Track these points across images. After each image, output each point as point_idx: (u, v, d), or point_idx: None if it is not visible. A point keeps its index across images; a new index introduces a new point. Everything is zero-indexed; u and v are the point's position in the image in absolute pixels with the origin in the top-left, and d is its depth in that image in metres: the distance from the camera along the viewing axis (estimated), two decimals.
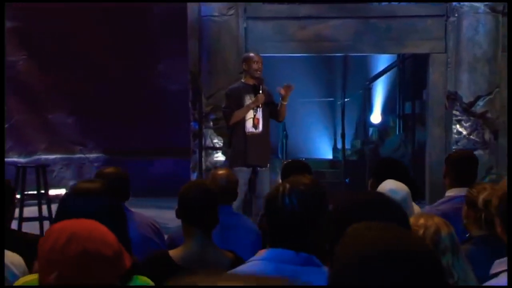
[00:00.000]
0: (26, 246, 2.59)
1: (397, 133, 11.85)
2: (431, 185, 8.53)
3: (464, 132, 8.59)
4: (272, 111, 6.81)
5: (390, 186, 3.23)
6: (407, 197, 3.23)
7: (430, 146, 8.79)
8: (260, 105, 6.61)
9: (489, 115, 8.51)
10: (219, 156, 8.61)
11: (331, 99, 12.49)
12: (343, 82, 11.94)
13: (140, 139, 13.21)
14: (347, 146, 12.03)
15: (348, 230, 1.22)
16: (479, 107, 8.48)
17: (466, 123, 8.58)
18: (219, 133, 8.50)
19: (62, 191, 10.64)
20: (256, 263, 2.11)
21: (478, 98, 8.48)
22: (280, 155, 10.44)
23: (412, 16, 8.67)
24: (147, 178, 12.61)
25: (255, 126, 6.61)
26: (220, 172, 3.97)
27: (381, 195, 1.94)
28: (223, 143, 8.53)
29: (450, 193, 4.02)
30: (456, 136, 8.62)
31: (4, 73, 9.55)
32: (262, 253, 2.16)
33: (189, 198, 3.06)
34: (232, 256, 3.01)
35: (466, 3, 8.47)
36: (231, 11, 8.50)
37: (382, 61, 12.30)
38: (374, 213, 1.71)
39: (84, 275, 1.70)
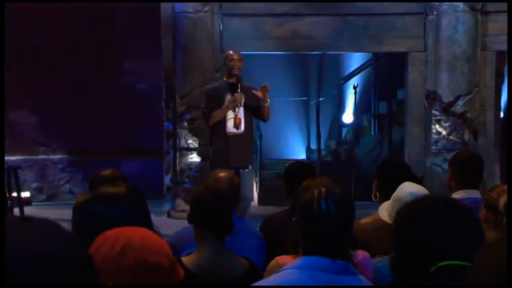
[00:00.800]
0: None
1: (372, 133, 11.87)
2: None
3: (444, 132, 8.62)
4: (256, 110, 6.72)
5: (409, 189, 3.14)
6: None
7: (409, 146, 8.80)
8: (240, 104, 6.52)
9: (468, 115, 8.55)
10: (194, 157, 8.52)
11: (304, 98, 12.46)
12: (318, 81, 11.92)
13: (108, 139, 13.04)
14: (321, 146, 12.01)
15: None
16: (459, 106, 8.52)
17: (445, 123, 8.62)
18: (194, 134, 8.41)
19: (26, 194, 10.43)
20: (290, 272, 2.04)
21: (458, 97, 8.51)
22: (254, 156, 10.37)
23: (390, 14, 8.68)
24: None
25: (236, 126, 6.52)
26: (222, 174, 3.81)
27: (450, 200, 1.88)
28: (199, 144, 8.43)
29: (456, 195, 3.96)
30: (435, 136, 8.65)
31: (4, 73, 9.37)
32: (296, 261, 2.09)
33: (202, 202, 2.98)
34: (246, 262, 2.93)
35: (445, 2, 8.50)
36: (206, 8, 8.41)
37: (357, 60, 12.31)
38: (448, 218, 1.68)
39: (140, 286, 1.64)
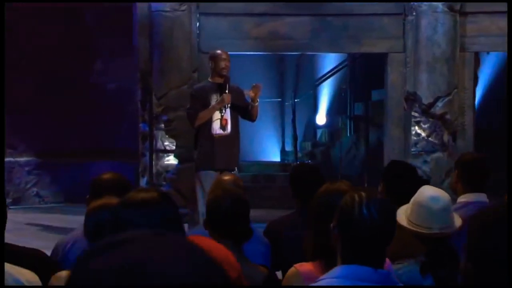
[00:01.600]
0: (16, 258, 2.45)
1: (348, 134, 11.94)
2: None
3: (423, 134, 8.70)
4: (243, 111, 6.71)
5: (430, 193, 3.06)
6: (450, 205, 3.08)
7: (389, 148, 8.87)
8: (227, 105, 6.50)
9: (448, 116, 8.65)
10: (171, 159, 8.48)
11: (279, 99, 12.49)
12: (294, 82, 11.96)
13: (77, 140, 12.93)
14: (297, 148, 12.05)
15: None
16: (438, 108, 8.62)
17: (425, 124, 8.70)
18: (171, 135, 8.38)
19: None
20: (330, 282, 2.00)
21: (437, 99, 8.61)
22: None
23: (369, 14, 8.75)
24: (85, 183, 12.30)
25: (223, 127, 6.49)
26: (226, 177, 3.79)
27: None
28: (176, 146, 8.40)
29: (463, 198, 3.94)
30: (414, 137, 8.73)
31: (4, 73, 9.23)
32: (335, 270, 2.06)
33: (220, 208, 2.92)
34: (265, 271, 2.90)
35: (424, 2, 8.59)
36: (183, 7, 8.40)
37: (333, 60, 12.37)
38: None
39: None
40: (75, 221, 10.15)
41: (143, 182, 8.70)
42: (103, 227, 2.52)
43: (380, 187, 3.79)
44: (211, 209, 2.96)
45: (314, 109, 12.31)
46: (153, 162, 8.50)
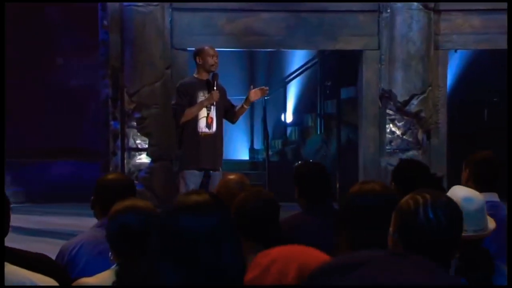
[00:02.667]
0: (22, 262, 2.43)
1: (318, 132, 12.02)
2: None
3: (398, 132, 8.83)
4: (227, 110, 6.70)
5: (463, 193, 2.90)
6: (483, 206, 2.95)
7: (364, 146, 8.97)
8: (215, 103, 6.49)
9: (423, 114, 8.79)
10: (143, 158, 8.45)
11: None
12: (265, 79, 11.99)
13: (37, 139, 12.78)
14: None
15: None
16: (413, 106, 8.74)
17: (399, 122, 8.83)
18: (144, 133, 8.35)
19: None
20: None
21: (412, 96, 8.74)
22: None
23: (343, 11, 8.84)
24: (46, 182, 12.23)
25: (208, 125, 6.48)
26: (232, 176, 3.69)
27: None
28: (149, 144, 8.38)
29: None
30: (389, 136, 8.85)
31: (4, 73, 9.08)
32: None
33: (248, 209, 2.85)
34: None
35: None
36: (156, 2, 8.37)
37: (303, 57, 12.44)
38: None
39: None
40: (38, 221, 10.02)
41: None
42: (129, 230, 2.51)
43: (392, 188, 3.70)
44: (238, 211, 2.85)
45: (284, 107, 12.36)
46: (125, 161, 8.45)
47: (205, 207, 1.75)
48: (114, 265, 2.61)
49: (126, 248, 2.52)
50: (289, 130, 12.51)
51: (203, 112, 6.48)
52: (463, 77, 11.39)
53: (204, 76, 6.61)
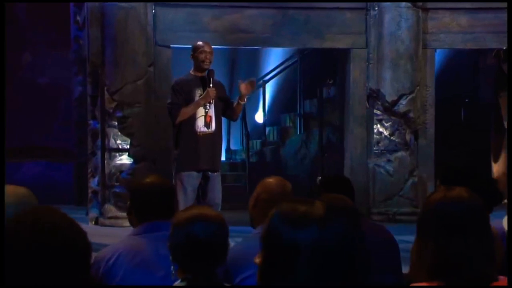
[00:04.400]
0: None
1: (298, 133, 11.92)
2: None
3: (385, 133, 8.77)
4: (225, 107, 6.52)
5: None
6: None
7: (351, 147, 8.90)
8: (212, 101, 6.31)
9: (411, 114, 8.74)
10: (124, 159, 8.26)
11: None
12: (245, 77, 11.84)
13: (6, 139, 12.47)
14: (243, 146, 11.95)
15: None
16: (402, 106, 8.69)
17: (387, 122, 8.76)
18: (126, 133, 8.15)
19: None
20: None
21: (401, 96, 8.68)
22: None
23: (331, 9, 8.76)
24: (15, 183, 11.92)
25: (207, 124, 6.30)
26: (271, 179, 3.39)
27: None
28: (131, 144, 8.19)
29: None
30: (376, 136, 8.79)
31: (4, 73, 8.78)
32: None
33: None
34: None
35: None
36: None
37: (281, 55, 12.34)
38: None
39: None
40: None
41: (94, 183, 8.45)
42: (197, 241, 2.31)
43: (438, 188, 3.56)
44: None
45: (263, 106, 12.24)
46: (105, 162, 8.25)
47: (320, 219, 1.57)
48: (179, 281, 2.42)
49: (193, 262, 2.33)
50: (267, 130, 12.39)
51: (201, 111, 6.30)
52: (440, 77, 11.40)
53: (200, 73, 6.43)
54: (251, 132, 11.76)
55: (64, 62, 12.40)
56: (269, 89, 12.44)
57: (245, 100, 6.52)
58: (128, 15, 8.16)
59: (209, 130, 6.34)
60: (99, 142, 8.36)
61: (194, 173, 6.18)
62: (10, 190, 2.07)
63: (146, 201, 3.02)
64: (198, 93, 6.36)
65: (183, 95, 6.35)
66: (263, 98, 12.19)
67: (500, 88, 11.07)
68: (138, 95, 8.20)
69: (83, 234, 1.51)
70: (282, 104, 12.63)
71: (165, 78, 8.42)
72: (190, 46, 8.73)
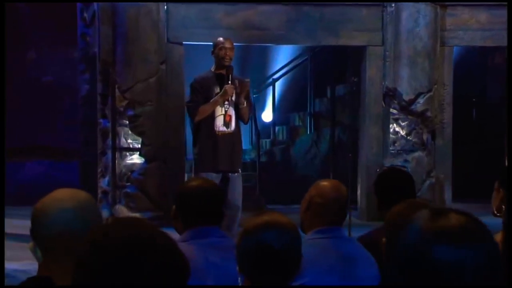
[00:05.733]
0: None
1: (308, 132, 11.78)
2: (367, 191, 8.39)
3: (402, 132, 8.63)
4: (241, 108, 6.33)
5: None
6: None
7: (367, 147, 8.75)
8: (230, 98, 6.15)
9: (428, 113, 8.60)
10: (135, 158, 8.12)
11: None
12: (255, 75, 11.69)
13: (9, 138, 12.33)
14: (252, 146, 11.81)
15: None
16: (419, 105, 8.54)
17: (403, 122, 8.62)
18: (137, 132, 8.00)
19: None
20: None
21: (418, 95, 8.54)
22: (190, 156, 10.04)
23: (346, 5, 8.61)
24: (16, 183, 11.86)
25: (226, 124, 6.15)
26: (326, 183, 3.19)
27: None
28: (142, 143, 8.05)
29: None
30: (393, 136, 8.64)
31: (4, 73, 8.63)
32: None
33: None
34: None
35: None
36: None
37: (292, 53, 12.20)
38: None
39: None
40: (16, 225, 9.63)
41: (104, 183, 8.31)
42: (271, 251, 2.12)
43: (497, 195, 3.33)
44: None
45: (273, 105, 12.09)
46: (116, 161, 8.10)
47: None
48: None
49: (263, 274, 2.15)
50: (277, 129, 12.24)
51: (220, 110, 6.15)
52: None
53: (220, 70, 6.28)
54: (261, 131, 11.63)
55: (69, 60, 12.27)
56: (279, 87, 12.30)
57: (244, 103, 6.28)
58: (140, 12, 8.02)
59: (229, 129, 6.19)
60: (109, 141, 8.22)
61: (213, 174, 6.01)
62: (67, 193, 1.91)
63: (193, 205, 2.87)
64: (216, 91, 6.21)
65: (202, 93, 6.19)
66: (272, 96, 12.04)
67: None
68: (150, 93, 8.06)
69: (182, 254, 1.30)
70: (292, 103, 12.49)
71: (177, 76, 8.29)
72: (203, 43, 8.65)
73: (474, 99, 12.13)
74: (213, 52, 6.38)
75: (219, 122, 6.17)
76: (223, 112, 6.16)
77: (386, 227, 2.32)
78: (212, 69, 6.39)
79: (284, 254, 2.15)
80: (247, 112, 6.37)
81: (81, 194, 1.92)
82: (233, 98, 6.24)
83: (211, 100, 6.16)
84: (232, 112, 6.21)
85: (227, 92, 6.14)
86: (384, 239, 2.23)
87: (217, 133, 6.16)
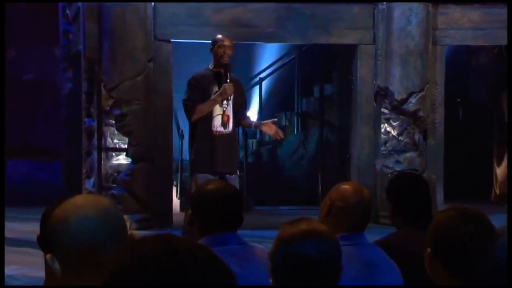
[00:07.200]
0: None
1: (295, 132, 11.69)
2: None
3: (393, 132, 8.57)
4: (239, 107, 6.24)
5: None
6: None
7: (358, 147, 8.67)
8: (230, 98, 6.05)
9: (420, 113, 8.54)
10: (121, 159, 7.99)
11: None
12: (241, 74, 11.59)
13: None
14: (240, 146, 11.68)
15: None
16: (412, 104, 8.48)
17: (394, 122, 8.55)
18: (124, 132, 7.87)
19: None
20: None
21: (410, 94, 8.48)
22: (177, 157, 9.93)
23: (338, 2, 8.52)
24: None
25: (224, 124, 6.05)
26: (348, 186, 3.04)
27: None
28: (129, 144, 7.92)
29: None
30: (384, 136, 8.58)
31: (4, 73, 8.46)
32: None
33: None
34: None
35: None
36: None
37: (279, 52, 12.11)
38: None
39: None
40: None
41: (89, 184, 8.16)
42: (309, 263, 2.00)
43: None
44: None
45: (260, 104, 11.99)
46: (102, 162, 7.96)
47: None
48: None
49: (302, 286, 2.04)
50: None
51: (218, 109, 6.05)
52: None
53: (218, 68, 6.18)
54: (246, 131, 11.52)
55: (51, 58, 12.10)
56: (266, 86, 12.20)
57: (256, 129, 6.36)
58: (127, 8, 7.90)
59: (226, 130, 6.09)
60: (94, 141, 8.08)
61: (210, 176, 5.91)
62: (89, 200, 1.76)
63: (211, 210, 2.73)
64: (215, 89, 6.11)
65: (199, 91, 6.09)
66: (259, 96, 11.94)
67: (504, 87, 10.93)
68: (137, 92, 7.93)
69: (227, 268, 1.18)
70: (279, 103, 12.40)
71: (165, 74, 8.18)
72: (191, 40, 8.54)
73: (458, 99, 12.11)
74: (211, 50, 6.29)
75: (217, 122, 6.08)
76: (221, 112, 6.06)
77: (431, 237, 2.18)
78: (210, 66, 6.30)
79: (323, 265, 2.04)
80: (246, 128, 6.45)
81: (104, 201, 1.78)
82: (231, 98, 6.14)
83: (210, 100, 6.06)
84: (230, 112, 6.12)
85: (227, 91, 6.06)
86: (429, 250, 2.10)
87: (214, 133, 6.07)
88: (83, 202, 1.75)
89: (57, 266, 1.70)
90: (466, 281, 2.05)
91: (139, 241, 1.15)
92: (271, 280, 2.08)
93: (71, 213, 1.71)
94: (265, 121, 6.47)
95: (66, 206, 1.74)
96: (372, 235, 3.27)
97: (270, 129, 6.31)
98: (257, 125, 6.41)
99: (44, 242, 1.85)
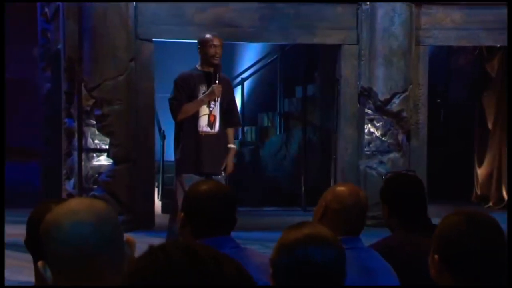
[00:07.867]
0: None
1: (278, 133, 11.67)
2: None
3: (377, 133, 8.57)
4: (226, 108, 6.20)
5: None
6: None
7: (342, 148, 8.67)
8: (217, 99, 6.00)
9: (404, 114, 8.55)
10: (102, 160, 7.92)
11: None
12: (225, 73, 11.55)
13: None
14: None
15: None
16: (395, 105, 8.49)
17: (378, 122, 8.56)
18: (105, 132, 7.81)
19: None
20: None
21: (394, 95, 8.48)
22: (159, 158, 9.87)
23: (321, 2, 8.51)
24: None
25: (210, 124, 6.00)
26: (343, 187, 2.99)
27: None
28: (110, 144, 7.86)
29: None
30: (368, 137, 8.58)
31: (4, 73, 8.33)
32: None
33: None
34: None
35: None
36: None
37: (261, 52, 12.08)
38: None
39: None
40: None
41: (69, 185, 8.09)
42: (312, 268, 1.95)
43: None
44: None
45: (242, 105, 11.95)
46: (82, 163, 7.89)
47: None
48: None
49: None
50: (246, 130, 12.10)
51: (205, 109, 6.01)
52: None
53: (206, 68, 6.13)
54: None
55: (28, 57, 11.98)
56: (247, 87, 12.16)
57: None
58: (108, 7, 7.85)
59: (213, 130, 6.05)
60: (75, 142, 8.02)
61: (195, 177, 5.87)
62: (83, 204, 1.69)
63: (205, 212, 2.68)
64: (202, 89, 6.07)
65: (186, 91, 6.04)
66: (241, 96, 11.91)
67: (483, 88, 10.98)
68: (119, 91, 7.88)
69: (250, 277, 1.13)
70: (261, 103, 12.37)
71: (147, 74, 8.13)
72: (173, 40, 8.49)
73: (439, 100, 12.16)
74: (199, 50, 6.23)
75: (203, 122, 6.04)
76: (208, 112, 6.02)
77: (437, 243, 2.14)
78: (198, 66, 6.25)
79: (328, 271, 1.99)
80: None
81: (99, 205, 1.70)
82: (219, 99, 6.10)
83: (197, 100, 6.03)
84: (217, 112, 6.07)
85: (215, 92, 6.02)
86: (437, 257, 2.06)
87: (200, 133, 6.03)
88: (78, 206, 1.67)
89: (49, 274, 1.63)
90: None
91: (156, 252, 1.10)
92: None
93: (65, 218, 1.64)
94: (230, 162, 6.40)
95: (60, 210, 1.66)
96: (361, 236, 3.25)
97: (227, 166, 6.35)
98: (231, 151, 6.40)
99: (34, 247, 1.79)
